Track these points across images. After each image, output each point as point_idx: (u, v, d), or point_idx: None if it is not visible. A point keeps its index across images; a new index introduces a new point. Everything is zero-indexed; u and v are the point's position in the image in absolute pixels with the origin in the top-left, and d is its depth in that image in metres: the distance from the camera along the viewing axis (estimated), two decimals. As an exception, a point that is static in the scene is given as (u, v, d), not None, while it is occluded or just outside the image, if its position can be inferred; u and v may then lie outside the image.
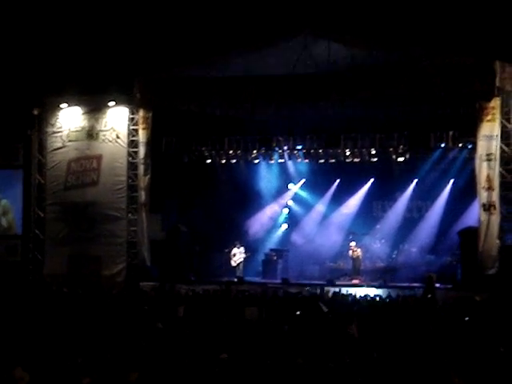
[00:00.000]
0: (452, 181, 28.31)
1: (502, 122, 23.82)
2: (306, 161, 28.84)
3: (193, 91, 26.29)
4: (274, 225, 31.48)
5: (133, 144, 27.25)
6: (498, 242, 23.78)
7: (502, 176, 23.87)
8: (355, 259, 27.75)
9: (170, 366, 10.57)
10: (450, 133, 25.77)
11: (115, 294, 21.12)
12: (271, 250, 29.93)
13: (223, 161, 28.88)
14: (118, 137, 27.42)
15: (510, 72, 23.69)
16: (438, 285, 23.53)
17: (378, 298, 20.46)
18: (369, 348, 12.35)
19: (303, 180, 30.99)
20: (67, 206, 27.91)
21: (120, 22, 27.62)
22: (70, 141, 28.00)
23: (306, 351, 11.53)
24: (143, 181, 27.09)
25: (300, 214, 31.34)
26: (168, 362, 10.85)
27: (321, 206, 30.85)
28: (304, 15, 25.03)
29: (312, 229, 30.59)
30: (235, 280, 26.96)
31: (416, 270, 27.01)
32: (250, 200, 30.39)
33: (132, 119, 27.31)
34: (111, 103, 27.36)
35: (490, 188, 23.81)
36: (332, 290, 23.19)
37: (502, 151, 23.85)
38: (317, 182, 30.53)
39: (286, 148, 28.17)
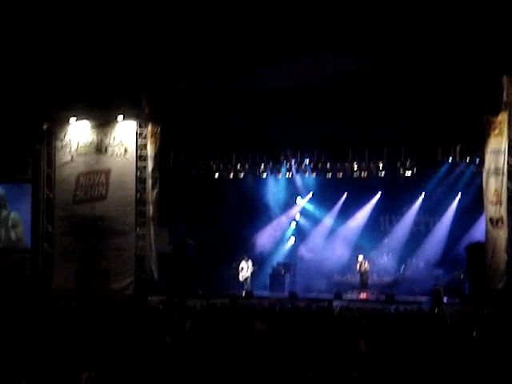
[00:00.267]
0: (459, 195, 28.32)
1: (509, 137, 23.77)
2: (314, 175, 28.81)
3: (201, 105, 26.36)
4: (282, 239, 31.50)
5: (141, 158, 27.32)
6: (505, 256, 23.71)
7: (509, 190, 23.80)
8: (363, 273, 27.74)
9: (179, 380, 10.61)
10: (458, 147, 25.73)
11: (123, 307, 21.12)
12: (279, 263, 29.95)
13: (231, 175, 28.88)
14: (126, 151, 27.49)
15: (518, 86, 23.72)
16: (445, 299, 23.50)
17: (385, 312, 20.43)
18: (377, 362, 12.36)
19: (311, 194, 31.04)
20: (76, 220, 27.98)
21: (129, 37, 27.80)
22: (78, 155, 28.08)
23: (313, 365, 11.55)
24: (151, 195, 27.16)
25: (307, 228, 31.38)
26: (176, 375, 10.88)
27: (328, 220, 30.89)
28: (310, 30, 25.14)
29: (319, 243, 30.61)
30: (243, 294, 26.96)
31: (423, 284, 27.00)
32: (257, 214, 30.42)
33: (140, 133, 27.38)
34: (120, 117, 27.44)
35: (497, 202, 23.79)
36: (339, 303, 23.17)
37: (510, 166, 23.81)
38: (324, 196, 30.59)
39: (293, 162, 28.20)
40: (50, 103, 27.97)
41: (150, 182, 27.17)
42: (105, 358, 12.15)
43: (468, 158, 26.04)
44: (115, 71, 27.86)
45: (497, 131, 23.84)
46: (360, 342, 14.11)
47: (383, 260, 29.48)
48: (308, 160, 27.95)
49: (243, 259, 28.55)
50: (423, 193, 29.21)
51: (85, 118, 27.95)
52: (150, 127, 27.17)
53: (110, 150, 27.75)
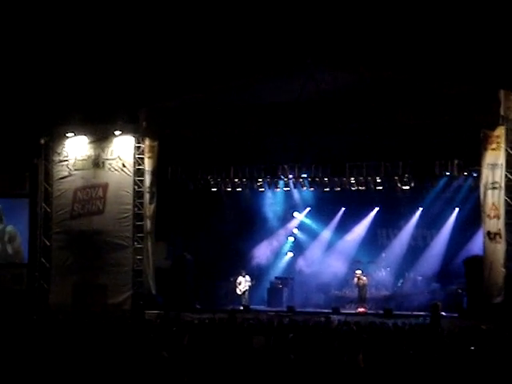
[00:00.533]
0: (457, 209, 28.30)
1: (506, 151, 23.83)
2: (312, 189, 28.80)
3: (198, 120, 26.38)
4: (280, 253, 31.44)
5: (139, 173, 27.34)
6: (503, 270, 23.70)
7: (507, 204, 23.84)
8: (361, 287, 27.67)
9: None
10: (455, 161, 25.74)
11: (121, 322, 21.07)
12: (277, 278, 29.92)
13: (229, 189, 28.90)
14: (123, 165, 27.51)
15: (515, 101, 23.76)
16: (443, 313, 23.47)
17: (383, 327, 20.39)
18: (375, 377, 12.31)
19: (308, 208, 31.02)
20: (73, 234, 27.97)
21: (127, 52, 27.85)
22: (76, 169, 28.10)
23: (312, 380, 11.51)
24: (149, 209, 27.16)
25: (305, 242, 31.35)
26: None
27: (326, 234, 30.86)
28: (307, 44, 25.20)
29: (317, 257, 30.56)
30: (241, 308, 26.92)
31: (421, 298, 26.98)
32: (255, 228, 30.38)
33: (138, 148, 27.42)
34: (117, 132, 27.48)
35: (495, 216, 23.79)
36: (337, 318, 23.12)
37: (508, 180, 23.84)
38: (322, 210, 30.58)
39: (291, 176, 28.19)
40: (48, 118, 28.01)
41: (147, 197, 27.17)
42: (102, 374, 12.10)
43: (466, 173, 26.06)
44: (113, 86, 27.91)
45: (494, 145, 23.87)
46: (358, 356, 14.06)
47: (381, 274, 29.43)
48: (305, 174, 27.94)
49: (241, 274, 28.54)
50: (421, 207, 29.19)
51: (82, 133, 27.99)
52: (147, 142, 27.19)
53: (107, 164, 27.77)
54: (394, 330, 19.39)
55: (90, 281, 27.49)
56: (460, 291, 26.18)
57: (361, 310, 26.84)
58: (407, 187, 27.29)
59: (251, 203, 30.23)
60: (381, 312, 25.60)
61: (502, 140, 23.79)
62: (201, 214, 29.95)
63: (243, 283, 28.39)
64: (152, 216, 27.21)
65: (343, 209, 30.39)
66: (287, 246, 31.63)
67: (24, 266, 28.87)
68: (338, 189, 28.16)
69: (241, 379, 11.67)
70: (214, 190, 28.99)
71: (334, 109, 25.18)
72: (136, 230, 27.31)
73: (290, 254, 31.37)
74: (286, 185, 28.86)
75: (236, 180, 28.46)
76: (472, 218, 26.34)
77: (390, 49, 26.06)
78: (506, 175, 23.81)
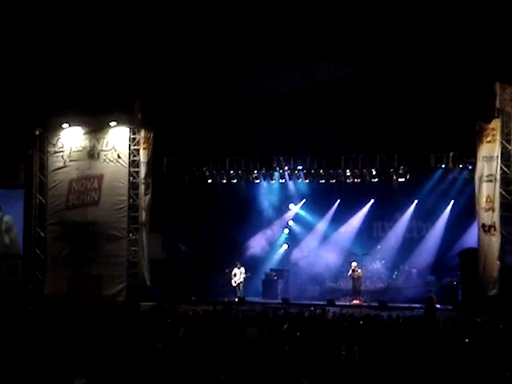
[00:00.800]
0: (452, 202, 28.31)
1: (502, 143, 23.85)
2: (307, 181, 28.79)
3: (194, 111, 26.33)
4: (275, 245, 31.45)
5: (134, 164, 27.30)
6: (498, 263, 23.75)
7: (502, 197, 23.87)
8: (356, 279, 27.65)
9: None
10: (451, 154, 25.72)
11: (115, 313, 21.06)
12: (272, 270, 29.91)
13: (224, 181, 28.89)
14: (119, 156, 27.45)
15: (510, 93, 23.73)
16: (438, 306, 23.48)
17: (378, 319, 20.41)
18: (369, 369, 12.33)
19: (304, 200, 31.01)
20: (68, 225, 27.92)
21: (121, 43, 27.80)
22: (71, 160, 28.03)
23: (306, 372, 11.51)
24: (144, 200, 27.14)
25: (300, 234, 31.35)
26: (168, 382, 10.84)
27: (321, 226, 30.86)
28: (303, 36, 25.17)
29: (312, 249, 30.57)
30: (236, 300, 26.93)
31: (416, 290, 27.01)
32: (250, 220, 30.35)
33: (133, 139, 27.36)
34: (112, 123, 27.41)
35: (490, 209, 23.82)
36: (332, 310, 23.14)
37: (503, 172, 23.86)
38: (317, 203, 30.57)
39: (286, 168, 28.17)
40: (43, 109, 27.94)
41: (142, 188, 27.14)
42: (97, 365, 12.10)
43: (461, 165, 26.05)
44: (108, 77, 27.87)
45: (489, 138, 23.90)
46: (353, 348, 14.08)
47: (376, 266, 29.46)
48: (301, 166, 27.92)
49: (236, 265, 28.51)
50: (416, 199, 29.21)
51: (77, 124, 27.91)
52: (142, 133, 27.15)
53: (102, 155, 27.71)
54: (389, 323, 19.43)
55: (85, 272, 27.46)
56: (455, 283, 26.20)
57: (355, 302, 26.84)
58: (402, 179, 27.30)
59: (246, 195, 30.20)
60: (375, 304, 25.62)
61: (498, 132, 23.81)
62: (196, 205, 29.92)
63: (238, 275, 28.38)
64: (147, 207, 27.20)
65: (338, 201, 30.37)
66: (282, 238, 31.62)
67: (19, 257, 28.83)
68: (334, 181, 28.17)
69: (235, 370, 11.67)
70: (210, 181, 28.96)
71: (330, 101, 25.13)
72: (131, 222, 27.30)
73: (285, 246, 31.36)
74: (282, 176, 28.85)
75: (231, 172, 28.43)
76: (467, 211, 26.37)
77: (385, 41, 26.05)
78: (501, 168, 23.85)
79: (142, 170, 27.14)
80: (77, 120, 27.86)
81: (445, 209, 28.64)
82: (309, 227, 31.18)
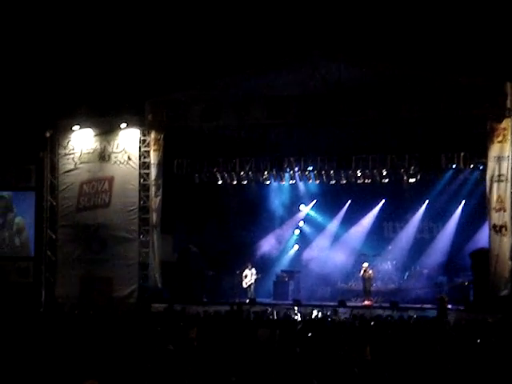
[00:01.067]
0: (463, 202, 28.23)
1: (513, 143, 23.80)
2: (317, 182, 28.73)
3: (204, 112, 26.33)
4: (286, 246, 31.42)
5: (144, 165, 27.33)
6: (510, 263, 23.69)
7: (513, 197, 23.82)
8: (367, 280, 27.61)
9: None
10: (462, 154, 25.64)
11: (127, 315, 21.11)
12: (282, 271, 29.88)
13: (234, 182, 28.84)
14: (129, 158, 27.49)
15: (522, 93, 23.69)
16: (449, 306, 23.44)
17: (389, 320, 20.40)
18: (381, 369, 12.31)
19: (314, 201, 30.98)
20: (79, 227, 27.98)
21: (132, 45, 27.83)
22: (81, 163, 28.08)
23: (318, 373, 11.51)
24: (154, 202, 27.16)
25: (311, 235, 31.29)
26: (179, 383, 10.85)
27: (332, 227, 30.80)
28: (313, 37, 25.16)
29: (323, 250, 30.52)
30: (247, 301, 26.92)
31: (428, 291, 26.95)
32: (261, 221, 30.35)
33: (144, 141, 27.39)
34: (123, 125, 27.44)
35: (501, 209, 23.77)
36: (344, 311, 23.13)
37: (515, 172, 23.82)
38: (328, 203, 30.53)
39: (297, 169, 28.11)
40: (54, 111, 27.99)
41: (153, 190, 27.16)
42: (108, 366, 12.12)
43: (472, 165, 25.96)
44: (118, 79, 27.89)
45: (500, 138, 23.85)
46: (365, 349, 14.07)
47: (387, 267, 29.41)
48: (311, 167, 27.89)
49: (247, 267, 28.49)
50: (427, 199, 29.12)
51: (88, 126, 27.96)
52: (153, 134, 27.17)
53: (113, 157, 27.75)
54: (400, 323, 19.41)
55: (96, 274, 27.51)
56: (466, 284, 26.13)
57: (367, 302, 26.81)
58: (413, 180, 27.21)
59: (257, 196, 30.19)
60: (387, 305, 25.57)
61: (509, 132, 23.78)
62: (207, 206, 29.93)
63: (249, 276, 28.35)
64: (157, 209, 27.22)
65: (349, 201, 30.32)
66: (293, 239, 31.59)
67: (30, 259, 28.90)
68: (344, 182, 28.11)
69: (246, 371, 11.68)
70: (220, 182, 28.95)
71: (340, 102, 25.12)
72: (142, 223, 27.32)
73: (296, 247, 31.34)
74: (292, 177, 28.78)
75: (242, 173, 28.38)
76: (478, 211, 26.31)
77: (396, 42, 25.98)
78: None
79: (153, 171, 27.16)
80: (87, 122, 27.90)
81: (456, 209, 28.56)
82: (319, 228, 31.12)
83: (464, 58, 24.85)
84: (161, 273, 27.22)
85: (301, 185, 29.89)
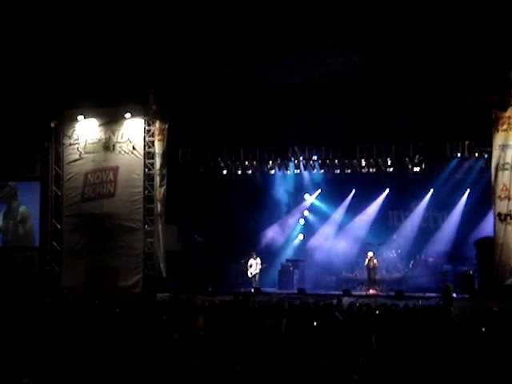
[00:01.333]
0: (468, 190, 28.21)
1: (518, 131, 23.74)
2: (322, 171, 28.76)
3: (208, 102, 26.33)
4: (290, 235, 31.44)
5: (149, 155, 27.32)
6: (515, 251, 23.68)
7: (518, 185, 23.77)
8: (371, 269, 27.64)
9: (187, 377, 10.60)
10: (466, 142, 25.64)
11: (132, 305, 21.14)
12: (287, 260, 29.91)
13: (239, 171, 28.88)
14: (134, 148, 27.47)
15: (526, 82, 23.63)
16: (455, 295, 23.44)
17: (394, 308, 20.39)
18: (386, 358, 12.33)
19: (319, 190, 30.97)
20: (84, 217, 27.99)
21: (135, 35, 27.79)
22: (86, 153, 28.08)
23: (323, 362, 11.52)
24: (159, 192, 27.19)
25: (316, 225, 31.31)
26: (184, 372, 10.86)
27: (337, 216, 30.81)
28: (316, 26, 25.10)
29: (328, 239, 30.53)
30: (252, 291, 26.95)
31: (433, 280, 26.94)
32: (265, 210, 30.38)
33: (148, 131, 27.37)
34: (127, 115, 27.43)
35: (506, 198, 23.73)
36: (348, 300, 23.13)
37: (519, 160, 23.76)
38: (333, 193, 30.53)
39: (301, 158, 28.15)
40: (58, 101, 28.00)
41: (157, 180, 27.19)
42: (113, 355, 12.15)
43: (476, 154, 25.95)
44: (122, 69, 27.85)
45: (505, 126, 23.79)
46: (371, 338, 14.08)
47: (392, 256, 29.42)
48: (316, 156, 27.90)
49: (252, 256, 28.51)
50: (432, 188, 29.11)
51: (92, 116, 27.95)
52: (157, 124, 27.19)
53: (117, 147, 27.75)
54: (405, 312, 19.40)
55: (101, 264, 27.54)
56: (471, 273, 26.13)
57: (372, 291, 26.84)
58: (418, 169, 27.20)
59: (262, 185, 30.21)
60: (392, 294, 25.58)
61: (514, 121, 23.72)
62: (211, 196, 29.96)
63: (254, 265, 28.38)
64: (162, 199, 27.27)
65: (354, 191, 30.32)
66: (298, 229, 31.61)
67: (35, 250, 28.98)
68: (349, 171, 28.12)
69: (251, 361, 11.69)
70: (225, 172, 28.98)
71: (344, 91, 25.09)
72: (147, 213, 27.33)
73: (301, 237, 31.35)
74: (297, 167, 28.81)
75: (246, 162, 28.42)
76: (483, 200, 26.28)
77: (399, 30, 25.91)
78: (516, 156, 23.74)
79: (157, 161, 27.18)
80: (92, 112, 27.90)
81: (461, 198, 28.54)
82: (324, 217, 31.14)
83: (469, 46, 24.77)
84: (166, 262, 27.27)
85: (305, 174, 29.91)
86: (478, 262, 25.45)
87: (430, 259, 28.49)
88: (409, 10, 26.38)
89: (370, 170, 27.68)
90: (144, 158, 27.34)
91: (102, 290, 26.21)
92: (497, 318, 17.58)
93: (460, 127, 25.17)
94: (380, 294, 26.45)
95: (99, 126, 28.00)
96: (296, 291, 26.84)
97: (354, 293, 26.04)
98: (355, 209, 30.37)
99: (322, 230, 30.96)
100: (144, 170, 27.33)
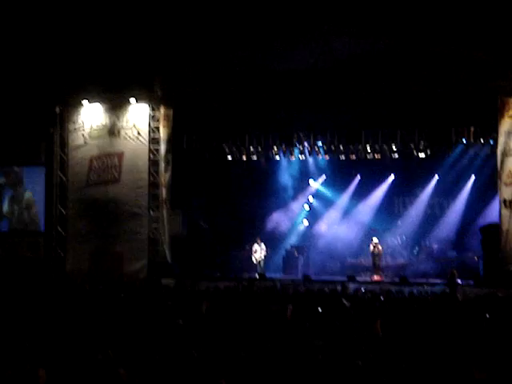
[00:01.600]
0: (473, 177, 28.20)
1: (524, 118, 23.70)
2: (327, 157, 28.76)
3: (213, 87, 26.30)
4: (295, 221, 31.47)
5: (154, 141, 27.32)
6: (520, 238, 23.69)
7: (524, 172, 23.74)
8: (376, 255, 27.67)
9: (192, 362, 10.62)
10: (472, 128, 25.62)
11: (137, 290, 21.17)
12: (292, 246, 29.95)
13: (244, 157, 28.88)
14: (139, 134, 27.47)
15: (532, 68, 23.57)
16: (459, 281, 23.45)
17: (399, 295, 20.41)
18: (391, 344, 12.34)
19: (324, 176, 30.98)
20: (89, 203, 28.01)
21: (140, 19, 27.68)
22: (91, 138, 28.10)
23: (327, 348, 11.54)
24: (164, 178, 27.20)
25: (321, 210, 31.33)
26: (189, 358, 10.88)
27: (341, 202, 30.84)
28: (323, 11, 25.00)
29: (333, 225, 30.57)
30: (256, 276, 26.99)
31: (437, 266, 26.97)
32: (270, 196, 30.43)
33: (153, 116, 27.37)
34: (132, 100, 27.43)
35: (511, 184, 23.70)
36: (353, 286, 23.15)
37: (525, 147, 23.73)
38: (337, 178, 30.57)
39: (306, 144, 28.16)
40: (63, 86, 27.96)
41: (162, 165, 27.20)
42: (118, 340, 12.18)
43: (482, 140, 25.92)
44: (127, 54, 27.78)
45: (511, 112, 23.75)
46: (375, 324, 14.07)
47: (397, 242, 29.44)
48: (321, 142, 27.90)
49: (256, 242, 28.54)
50: (437, 174, 29.13)
51: (97, 101, 27.95)
52: (162, 110, 27.18)
53: (122, 132, 27.75)
54: (410, 298, 19.41)
55: (106, 249, 27.60)
56: (476, 259, 26.15)
57: (376, 278, 26.87)
58: (423, 155, 27.18)
59: (266, 171, 30.23)
60: (396, 280, 25.59)
61: (519, 107, 23.68)
62: (216, 182, 30.00)
63: (259, 251, 28.41)
64: (167, 184, 27.29)
65: (359, 177, 30.34)
66: (303, 214, 31.63)
67: (40, 235, 29.01)
68: (354, 157, 28.10)
69: (256, 347, 11.71)
70: (230, 158, 28.99)
71: (350, 76, 25.05)
72: (152, 199, 27.35)
73: (306, 222, 31.38)
74: (302, 153, 28.83)
75: (251, 148, 28.43)
76: (488, 186, 26.30)
77: (405, 15, 25.80)
78: (522, 142, 23.71)
79: (162, 147, 27.18)
80: (97, 97, 27.88)
81: (466, 184, 28.56)
82: (329, 203, 31.16)
83: (475, 31, 24.67)
84: (171, 248, 27.31)
85: (310, 160, 29.94)
86: (482, 249, 25.43)
87: (435, 245, 28.53)
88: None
89: (375, 155, 27.68)
90: (149, 143, 27.34)
91: (107, 275, 26.28)
92: (502, 304, 17.59)
93: (465, 113, 25.09)
94: (384, 280, 26.48)
95: (104, 111, 27.99)
96: (301, 277, 26.86)
97: (358, 279, 26.06)
98: (360, 195, 30.40)
99: (326, 216, 30.99)
100: (149, 156, 27.33)
